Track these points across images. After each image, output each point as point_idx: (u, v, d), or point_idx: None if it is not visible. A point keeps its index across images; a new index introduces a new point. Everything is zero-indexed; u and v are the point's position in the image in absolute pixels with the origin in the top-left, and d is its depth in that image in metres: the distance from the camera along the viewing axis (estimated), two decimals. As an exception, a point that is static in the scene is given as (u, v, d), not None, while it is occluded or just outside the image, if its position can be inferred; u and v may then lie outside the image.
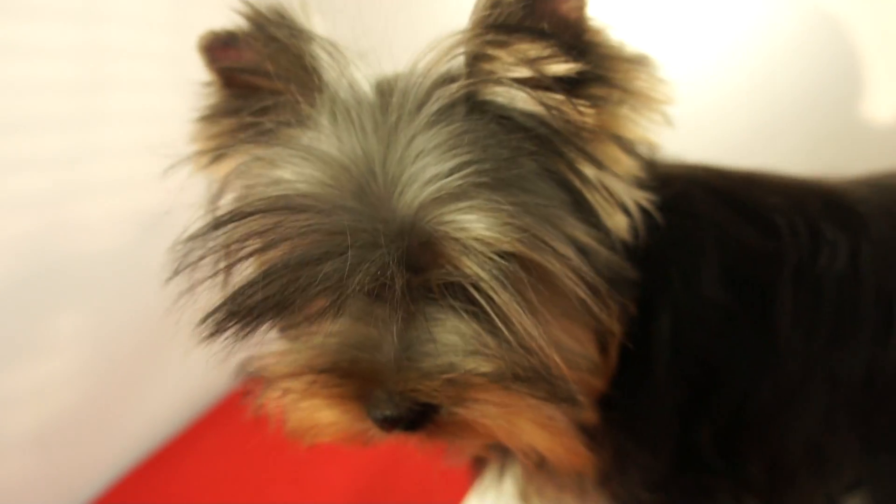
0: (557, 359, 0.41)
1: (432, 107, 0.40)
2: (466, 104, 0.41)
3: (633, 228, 0.46)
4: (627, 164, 0.45)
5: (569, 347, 0.44)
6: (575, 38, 0.41)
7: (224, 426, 0.96)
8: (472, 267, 0.38)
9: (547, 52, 0.40)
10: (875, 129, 1.08)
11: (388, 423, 0.41)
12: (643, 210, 0.48)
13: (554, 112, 0.41)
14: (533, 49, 0.41)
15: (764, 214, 0.54)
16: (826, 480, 0.56)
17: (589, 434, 0.49)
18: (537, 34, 0.40)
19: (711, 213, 0.54)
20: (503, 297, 0.39)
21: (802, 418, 0.53)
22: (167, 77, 0.87)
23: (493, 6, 0.41)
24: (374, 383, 0.40)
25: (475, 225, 0.38)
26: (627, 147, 0.45)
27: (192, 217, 0.45)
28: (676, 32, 1.12)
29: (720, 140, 1.10)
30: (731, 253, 0.53)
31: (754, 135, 1.11)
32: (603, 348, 0.47)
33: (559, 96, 0.41)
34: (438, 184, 0.38)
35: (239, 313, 0.39)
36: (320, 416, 0.43)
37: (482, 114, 0.41)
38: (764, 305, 0.53)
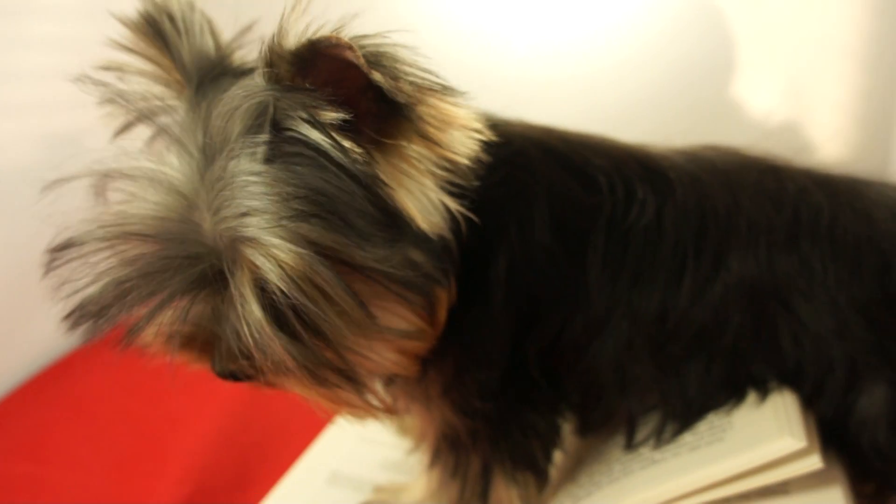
0: (356, 357, 0.52)
1: (246, 142, 0.48)
2: (276, 139, 0.48)
3: (454, 219, 0.54)
4: (434, 178, 0.52)
5: (389, 327, 0.54)
6: (363, 78, 0.46)
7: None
8: (277, 286, 0.46)
9: (315, 103, 0.47)
10: (747, 108, 1.19)
11: (221, 377, 0.53)
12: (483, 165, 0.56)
13: (344, 149, 0.48)
14: (306, 100, 0.48)
15: (589, 173, 0.63)
16: (628, 399, 0.67)
17: (433, 353, 0.59)
18: (304, 91, 0.48)
19: (544, 170, 0.63)
20: (304, 313, 0.48)
21: (608, 346, 0.64)
22: (83, 5, 0.91)
23: (269, 64, 0.48)
24: (210, 346, 0.52)
25: (279, 252, 0.46)
26: (435, 164, 0.52)
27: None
28: (580, 3, 1.21)
29: (606, 106, 1.21)
30: (558, 204, 0.62)
31: (637, 104, 1.21)
32: (431, 312, 0.57)
33: (341, 137, 0.48)
34: (250, 218, 0.46)
35: (86, 317, 0.50)
36: (183, 360, 0.54)
37: (291, 148, 0.48)
38: (580, 250, 0.62)
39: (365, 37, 0.47)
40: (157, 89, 0.55)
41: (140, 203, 0.48)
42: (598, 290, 0.62)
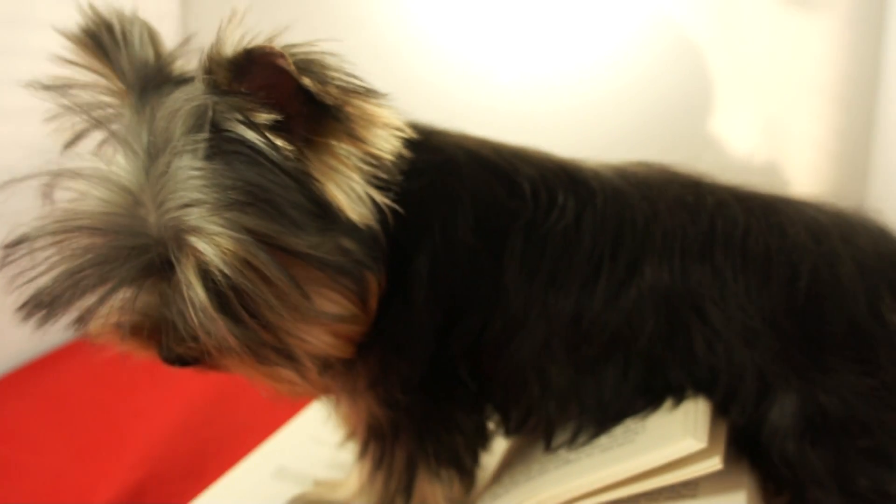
0: (294, 340, 0.56)
1: (188, 141, 0.52)
2: (216, 138, 0.52)
3: (383, 214, 0.58)
4: (361, 173, 0.56)
5: (324, 311, 0.58)
6: (294, 83, 0.51)
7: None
8: (219, 269, 0.51)
9: (250, 106, 0.52)
10: (726, 145, 1.21)
11: (168, 363, 0.57)
12: (406, 172, 0.60)
13: (277, 147, 0.53)
14: (242, 103, 0.52)
15: (515, 180, 0.66)
16: (546, 400, 0.69)
17: (359, 349, 0.63)
18: (240, 95, 0.52)
19: (471, 176, 0.66)
20: (244, 294, 0.52)
21: (525, 345, 0.66)
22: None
23: (208, 71, 0.53)
24: (157, 334, 0.56)
25: (220, 239, 0.50)
26: (362, 160, 0.56)
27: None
28: (568, 39, 1.25)
29: (587, 141, 1.23)
30: (482, 207, 0.65)
31: (618, 142, 1.24)
32: (364, 299, 0.60)
33: (274, 137, 0.53)
34: (192, 209, 0.51)
35: (40, 306, 0.54)
36: (131, 350, 0.58)
37: (229, 147, 0.53)
38: (500, 251, 0.65)
39: (295, 45, 0.52)
40: (103, 98, 0.59)
41: (89, 200, 0.53)
42: (514, 290, 0.65)
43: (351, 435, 0.74)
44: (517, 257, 0.65)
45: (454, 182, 0.66)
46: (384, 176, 0.58)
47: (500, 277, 0.65)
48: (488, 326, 0.66)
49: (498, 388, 0.70)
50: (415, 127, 0.69)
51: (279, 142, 0.53)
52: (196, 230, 0.51)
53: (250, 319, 0.53)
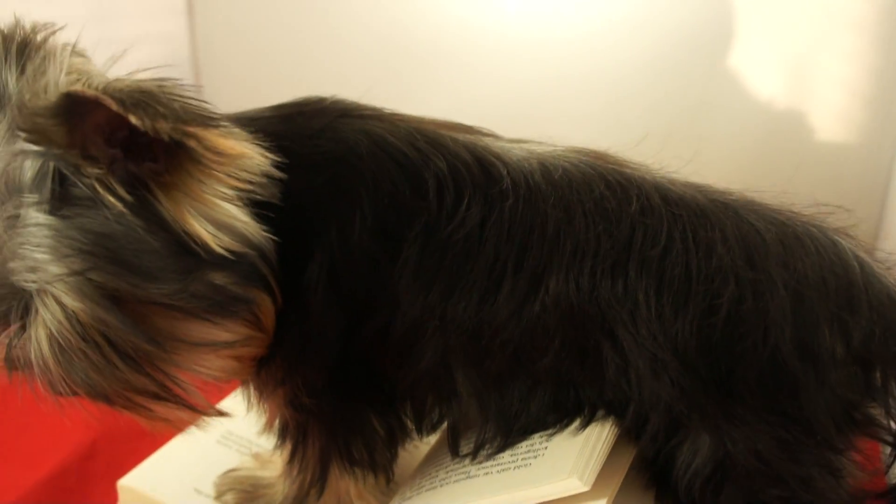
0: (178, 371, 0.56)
1: (33, 194, 0.50)
2: (61, 189, 0.50)
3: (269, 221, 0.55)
4: (227, 200, 0.53)
5: (210, 340, 0.57)
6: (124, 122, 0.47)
7: None
8: (67, 338, 0.51)
9: (75, 158, 0.49)
10: (746, 84, 1.09)
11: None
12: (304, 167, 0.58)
13: (120, 197, 0.50)
14: (69, 156, 0.49)
15: (423, 175, 0.60)
16: (451, 409, 0.65)
17: (268, 351, 0.62)
18: (67, 148, 0.49)
19: (374, 169, 0.60)
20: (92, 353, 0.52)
21: (427, 356, 0.61)
22: None
23: (30, 125, 0.48)
24: None
25: (67, 300, 0.50)
26: (225, 187, 0.53)
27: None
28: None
29: (610, 69, 1.13)
30: (382, 207, 0.60)
31: (639, 69, 1.14)
32: (256, 321, 0.58)
33: (105, 191, 0.50)
34: (38, 271, 0.50)
35: None
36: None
37: (73, 198, 0.50)
38: (398, 256, 0.60)
39: (120, 80, 0.49)
40: None
41: None
42: (409, 300, 0.60)
43: (266, 428, 0.72)
44: (412, 266, 0.60)
45: (354, 177, 0.60)
46: (261, 193, 0.55)
47: (397, 285, 0.61)
48: (390, 332, 0.62)
49: (406, 392, 0.66)
50: (322, 107, 0.65)
51: (110, 197, 0.50)
52: (43, 293, 0.50)
53: (104, 372, 0.53)
